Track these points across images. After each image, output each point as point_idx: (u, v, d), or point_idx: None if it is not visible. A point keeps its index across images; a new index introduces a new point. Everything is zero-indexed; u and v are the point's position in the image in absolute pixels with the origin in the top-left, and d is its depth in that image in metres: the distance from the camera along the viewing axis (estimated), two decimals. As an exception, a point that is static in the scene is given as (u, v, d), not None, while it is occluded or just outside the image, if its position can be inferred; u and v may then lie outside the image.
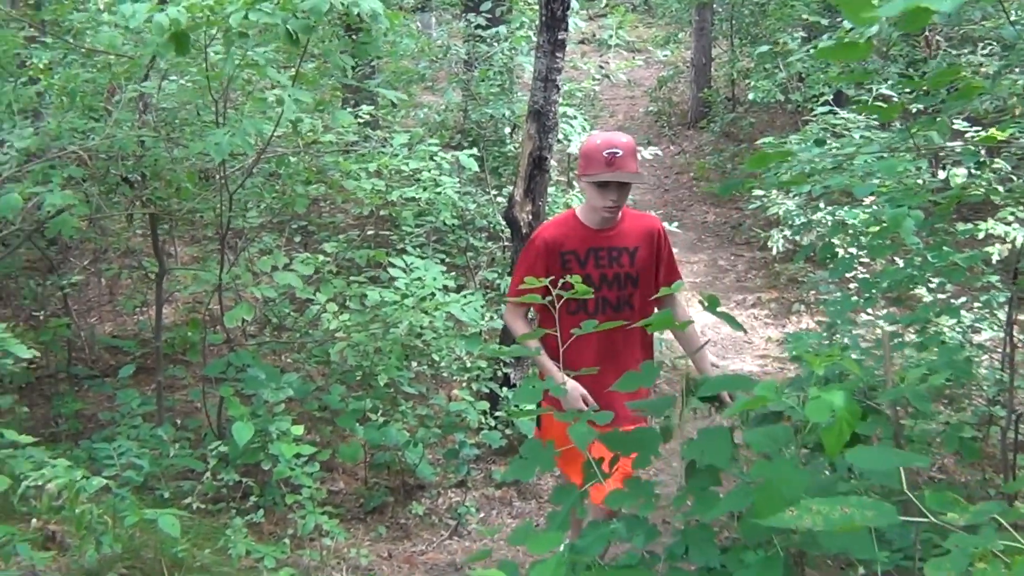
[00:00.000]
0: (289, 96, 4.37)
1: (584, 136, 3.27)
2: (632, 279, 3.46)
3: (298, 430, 4.40)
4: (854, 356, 3.27)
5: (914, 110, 5.47)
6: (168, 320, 6.41)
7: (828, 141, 5.67)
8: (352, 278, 5.48)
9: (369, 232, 7.19)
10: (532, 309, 3.71)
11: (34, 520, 3.41)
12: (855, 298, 4.33)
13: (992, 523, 1.47)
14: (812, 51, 7.78)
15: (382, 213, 7.00)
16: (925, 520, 1.48)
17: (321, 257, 5.32)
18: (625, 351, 3.47)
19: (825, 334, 4.10)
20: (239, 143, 4.30)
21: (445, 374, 5.54)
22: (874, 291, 4.22)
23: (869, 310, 4.54)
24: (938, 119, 3.50)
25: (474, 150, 6.21)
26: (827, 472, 2.26)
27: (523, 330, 3.45)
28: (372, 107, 6.61)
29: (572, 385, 3.24)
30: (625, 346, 3.48)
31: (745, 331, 2.90)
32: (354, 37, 5.16)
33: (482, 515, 4.93)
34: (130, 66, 4.66)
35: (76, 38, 5.02)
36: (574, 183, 8.47)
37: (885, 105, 6.56)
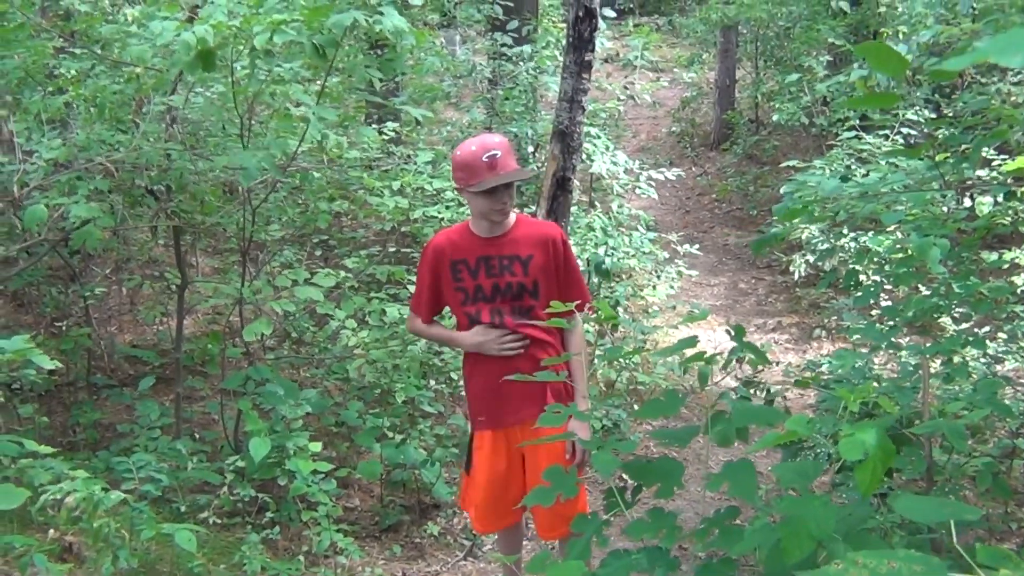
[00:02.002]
0: (314, 115, 4.39)
1: (464, 147, 3.30)
2: (528, 290, 3.33)
3: (316, 446, 4.39)
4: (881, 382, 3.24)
5: (940, 136, 5.44)
6: (188, 332, 6.43)
7: (852, 167, 5.65)
8: (372, 294, 5.48)
9: (390, 248, 7.20)
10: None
11: (51, 531, 3.41)
12: (879, 326, 4.30)
13: None
14: (840, 78, 7.75)
15: (403, 230, 7.01)
16: None
17: (342, 273, 5.32)
18: (527, 363, 3.29)
19: (858, 363, 4.06)
20: (266, 165, 4.33)
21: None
22: (898, 319, 4.18)
23: (892, 339, 4.50)
24: (970, 153, 3.46)
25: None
26: (856, 510, 2.22)
27: (427, 328, 3.58)
28: (396, 123, 6.62)
29: (473, 331, 3.37)
30: (526, 359, 3.32)
31: (769, 363, 2.85)
32: (379, 53, 5.18)
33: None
34: (158, 80, 4.69)
35: (104, 49, 5.06)
36: (597, 203, 8.46)
37: (911, 132, 6.53)
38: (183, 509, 4.20)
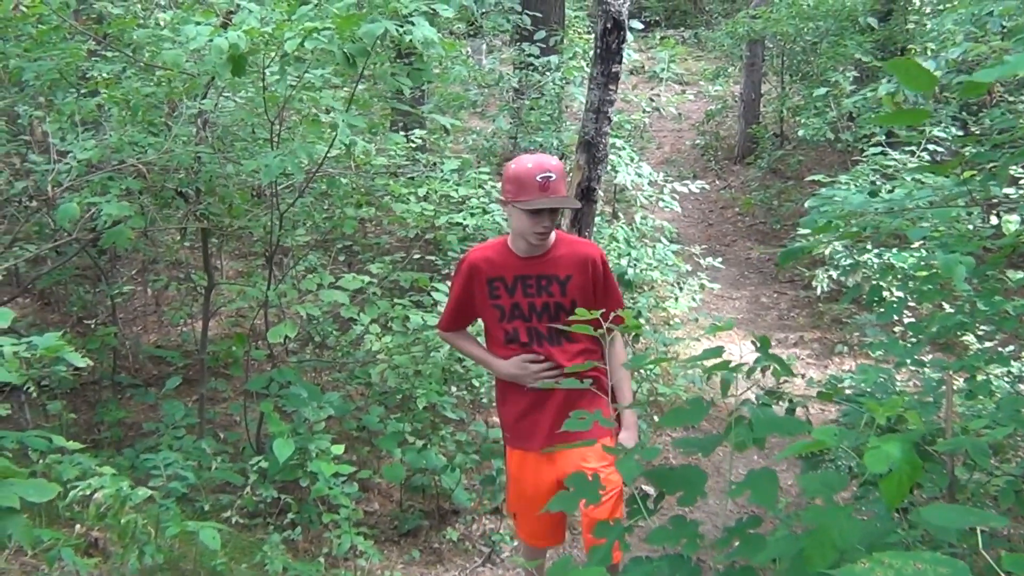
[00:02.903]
0: (343, 121, 4.44)
1: (520, 162, 3.25)
2: (565, 310, 3.26)
3: (338, 449, 4.43)
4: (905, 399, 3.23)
5: (968, 153, 5.44)
6: (212, 334, 6.49)
7: (877, 183, 5.64)
8: (395, 300, 5.52)
9: (414, 255, 7.25)
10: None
11: (78, 526, 3.45)
12: (902, 342, 4.29)
13: None
14: (867, 93, 7.73)
15: (427, 237, 7.05)
16: None
17: (367, 278, 5.36)
18: (562, 393, 3.29)
19: (881, 377, 4.05)
20: (290, 166, 4.38)
21: (484, 400, 5.56)
22: (922, 336, 4.17)
23: (915, 355, 4.49)
24: (998, 170, 3.47)
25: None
26: (879, 523, 2.23)
27: (460, 340, 3.60)
28: (423, 131, 6.67)
29: (511, 363, 3.36)
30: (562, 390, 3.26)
31: (793, 374, 2.84)
32: (407, 62, 5.23)
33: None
34: (190, 84, 4.75)
35: (136, 53, 5.13)
36: (620, 214, 8.48)
37: (938, 149, 6.52)
38: (206, 508, 4.23)
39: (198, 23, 4.13)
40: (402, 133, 6.18)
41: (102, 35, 5.57)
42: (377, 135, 5.69)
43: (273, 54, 4.30)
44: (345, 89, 5.11)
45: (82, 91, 5.08)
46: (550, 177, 3.14)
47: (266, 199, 5.53)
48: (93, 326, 6.11)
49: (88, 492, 3.13)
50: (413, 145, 6.08)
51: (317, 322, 6.13)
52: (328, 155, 4.90)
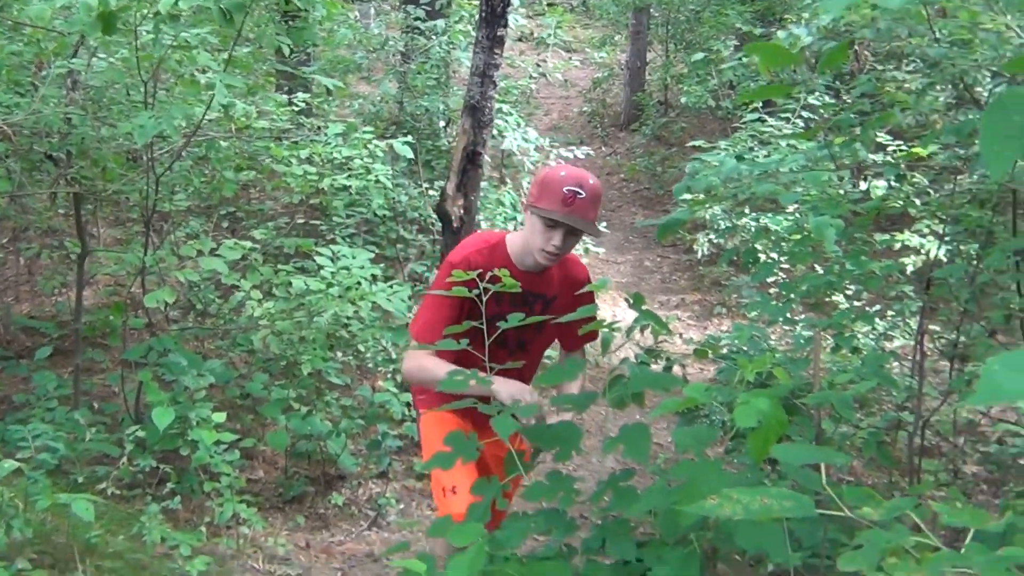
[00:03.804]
0: (220, 81, 4.32)
1: (555, 168, 2.92)
2: (536, 326, 2.91)
3: (220, 417, 4.36)
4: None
5: (832, 119, 5.64)
6: (88, 303, 6.27)
7: (754, 148, 5.80)
8: (279, 267, 5.43)
9: (299, 221, 7.14)
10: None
11: (-59, 502, 3.32)
12: (775, 302, 4.45)
13: (904, 520, 1.54)
14: (743, 58, 7.93)
15: (312, 202, 6.95)
16: (841, 514, 1.54)
17: (248, 244, 5.26)
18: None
19: (756, 334, 4.19)
20: (165, 127, 4.24)
21: (370, 365, 5.53)
22: (793, 295, 4.34)
23: (787, 314, 4.68)
24: (860, 134, 3.61)
25: (408, 138, 6.20)
26: (748, 474, 2.32)
27: (442, 366, 2.79)
28: (307, 95, 6.56)
29: (502, 383, 2.73)
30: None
31: (670, 332, 2.89)
32: (290, 23, 5.12)
33: (402, 507, 4.94)
34: (59, 43, 4.55)
35: (3, 10, 4.89)
36: (507, 179, 8.51)
37: (812, 117, 6.73)
38: (80, 480, 4.11)
39: (63, -23, 3.95)
40: (286, 96, 6.06)
41: (-38, -10, 5.29)
42: (258, 97, 5.55)
43: (146, 12, 4.15)
44: (226, 52, 4.97)
45: (-61, 48, 4.81)
46: (579, 194, 2.82)
47: (142, 163, 5.35)
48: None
49: (-49, 465, 3.01)
50: (296, 108, 5.96)
51: (198, 289, 6.00)
52: (206, 118, 4.76)
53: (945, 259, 4.73)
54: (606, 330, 2.62)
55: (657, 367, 3.79)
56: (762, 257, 5.42)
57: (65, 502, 3.24)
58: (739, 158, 3.82)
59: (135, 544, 3.78)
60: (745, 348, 4.27)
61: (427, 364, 2.87)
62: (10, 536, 3.11)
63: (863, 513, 1.52)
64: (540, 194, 2.86)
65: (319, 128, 6.51)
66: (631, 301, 2.54)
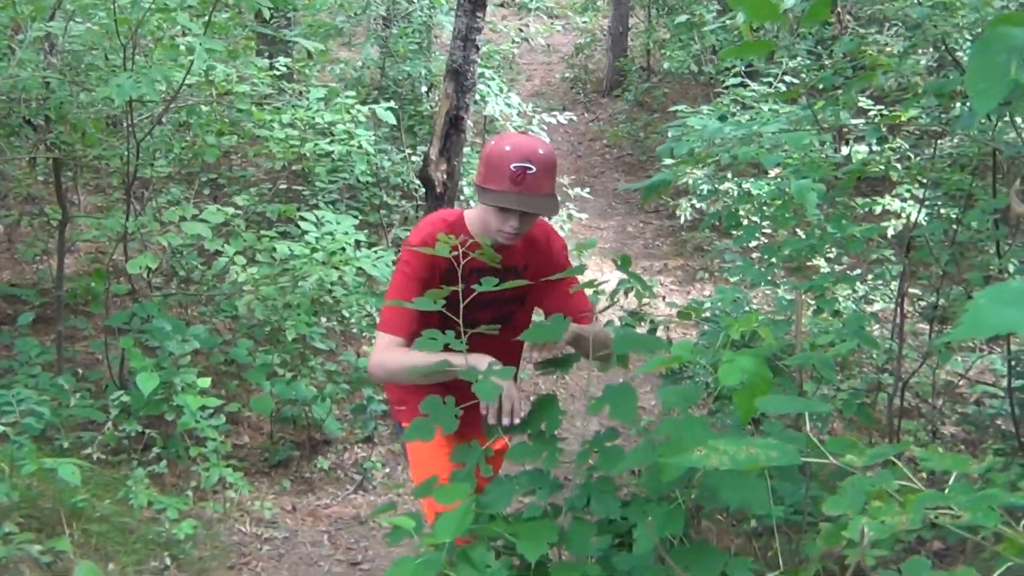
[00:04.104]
0: (201, 44, 4.28)
1: (500, 141, 2.60)
2: (515, 298, 2.81)
3: (204, 382, 4.37)
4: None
5: (821, 87, 5.65)
6: (70, 270, 6.24)
7: (736, 113, 5.81)
8: (262, 232, 5.41)
9: (281, 187, 7.11)
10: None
11: (-75, 468, 3.32)
12: (757, 267, 4.48)
13: (887, 466, 1.58)
14: (725, 22, 7.91)
15: (294, 168, 6.92)
16: (824, 460, 1.57)
17: (231, 209, 5.24)
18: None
19: (736, 296, 4.22)
20: (145, 89, 4.20)
21: (355, 330, 5.54)
22: (775, 259, 4.36)
23: (769, 277, 4.72)
24: (841, 96, 3.62)
25: (391, 104, 6.17)
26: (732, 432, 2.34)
27: (412, 356, 2.53)
28: (288, 59, 6.50)
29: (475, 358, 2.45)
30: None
31: (654, 294, 2.88)
32: (271, -14, 5.06)
33: (387, 470, 4.97)
34: (35, 6, 4.49)
35: (-24, -28, 4.82)
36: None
37: (794, 81, 6.74)
38: (66, 446, 4.12)
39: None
40: (267, 60, 6.01)
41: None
42: (239, 60, 5.51)
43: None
44: (205, 17, 4.92)
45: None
46: (528, 169, 2.51)
47: (122, 129, 5.31)
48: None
49: (-64, 430, 3.01)
50: (278, 72, 5.92)
51: (181, 256, 5.97)
52: (187, 82, 4.72)
53: (925, 223, 4.77)
54: (590, 291, 2.63)
55: (641, 330, 3.82)
56: (744, 221, 5.44)
57: (51, 467, 3.25)
58: (722, 118, 3.82)
59: (122, 508, 3.79)
60: (728, 311, 4.30)
61: (396, 353, 2.57)
62: (-3, 500, 3.12)
63: (847, 460, 1.55)
64: (487, 174, 2.55)
65: (300, 93, 6.47)
66: (618, 262, 2.54)
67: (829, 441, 1.63)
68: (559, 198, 7.80)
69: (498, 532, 2.11)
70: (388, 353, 2.57)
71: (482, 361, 2.42)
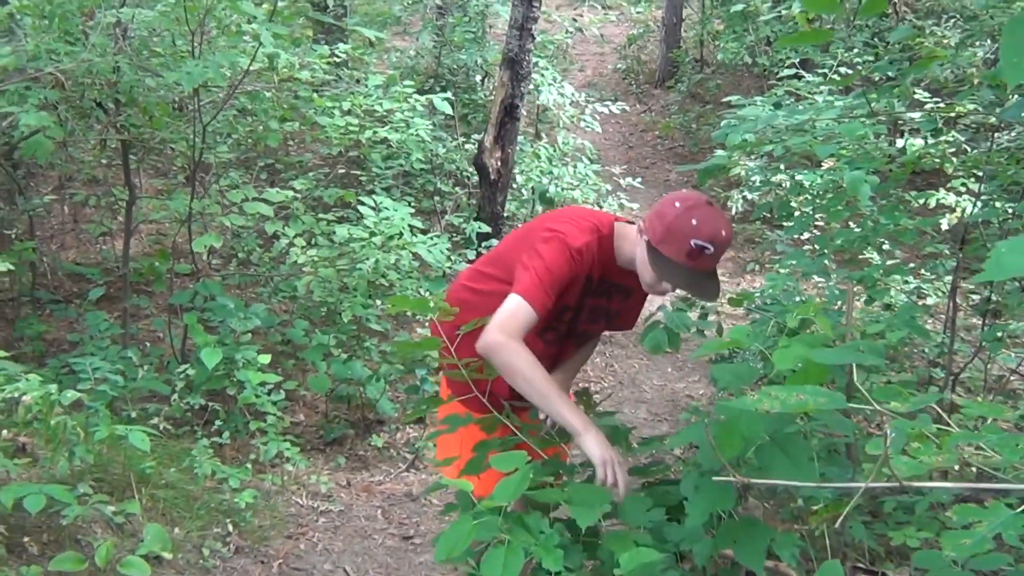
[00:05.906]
0: (267, 30, 4.41)
1: (685, 205, 2.45)
2: (607, 313, 2.80)
3: (265, 359, 4.51)
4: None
5: (876, 77, 5.64)
6: (133, 251, 6.42)
7: (790, 103, 5.82)
8: (320, 216, 5.55)
9: (339, 171, 7.24)
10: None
11: (4, 431, 3.48)
12: (808, 257, 4.51)
13: (929, 412, 1.65)
14: (780, 11, 7.90)
15: (351, 154, 7.05)
16: (871, 407, 1.64)
17: (290, 193, 5.38)
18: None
19: (788, 285, 4.24)
20: (212, 75, 4.34)
21: (409, 313, 5.65)
22: (827, 250, 4.39)
23: (820, 267, 4.74)
24: (897, 87, 3.63)
25: (447, 94, 6.27)
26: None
27: (536, 370, 2.40)
28: (347, 46, 6.63)
29: (598, 441, 2.37)
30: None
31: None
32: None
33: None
34: (105, -8, 4.66)
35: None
36: (542, 134, 8.56)
37: (849, 72, 6.72)
38: (133, 416, 4.28)
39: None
40: (327, 48, 6.14)
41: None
42: (300, 47, 5.64)
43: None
44: (266, 5, 5.06)
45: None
46: (706, 250, 2.40)
47: (187, 113, 5.47)
48: (11, 238, 6.00)
49: (16, 395, 3.16)
50: (337, 60, 6.04)
51: (241, 238, 6.13)
52: (250, 68, 4.86)
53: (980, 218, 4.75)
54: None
55: (693, 315, 3.88)
56: (796, 213, 5.46)
57: (122, 433, 3.40)
58: (776, 106, 3.86)
59: (186, 476, 3.94)
60: (779, 298, 4.34)
61: (524, 350, 2.39)
62: (72, 463, 3.27)
63: (892, 407, 1.62)
64: (665, 239, 2.42)
65: (358, 80, 6.59)
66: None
67: (876, 391, 1.70)
68: (608, 185, 7.89)
69: (553, 498, 2.18)
70: (519, 341, 2.40)
71: (590, 430, 2.36)
